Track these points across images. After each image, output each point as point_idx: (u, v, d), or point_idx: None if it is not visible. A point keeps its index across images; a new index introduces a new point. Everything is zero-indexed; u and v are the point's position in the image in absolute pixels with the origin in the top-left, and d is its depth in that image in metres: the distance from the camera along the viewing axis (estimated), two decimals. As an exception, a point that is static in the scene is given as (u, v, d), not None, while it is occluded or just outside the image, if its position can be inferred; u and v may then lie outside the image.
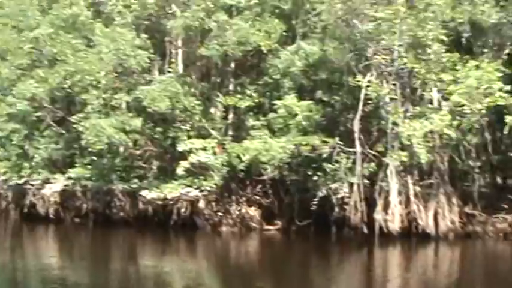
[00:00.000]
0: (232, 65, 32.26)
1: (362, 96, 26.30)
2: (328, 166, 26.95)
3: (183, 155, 30.11)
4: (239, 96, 30.55)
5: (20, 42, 33.47)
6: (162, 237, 30.89)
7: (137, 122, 29.14)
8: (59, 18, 32.78)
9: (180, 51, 32.02)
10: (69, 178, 32.01)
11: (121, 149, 31.10)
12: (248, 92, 30.71)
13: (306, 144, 26.76)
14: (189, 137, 30.06)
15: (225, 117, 32.32)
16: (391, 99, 25.83)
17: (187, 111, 30.06)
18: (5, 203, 37.81)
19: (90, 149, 30.95)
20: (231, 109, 32.29)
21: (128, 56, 29.17)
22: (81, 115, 30.50)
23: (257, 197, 32.39)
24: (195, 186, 29.81)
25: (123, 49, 28.93)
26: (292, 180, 29.48)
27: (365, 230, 26.95)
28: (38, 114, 32.82)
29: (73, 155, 33.44)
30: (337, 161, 26.92)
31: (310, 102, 28.39)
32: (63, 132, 33.43)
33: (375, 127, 28.30)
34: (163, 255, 26.34)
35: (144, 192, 30.22)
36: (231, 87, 32.41)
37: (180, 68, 31.87)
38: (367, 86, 26.02)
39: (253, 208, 32.08)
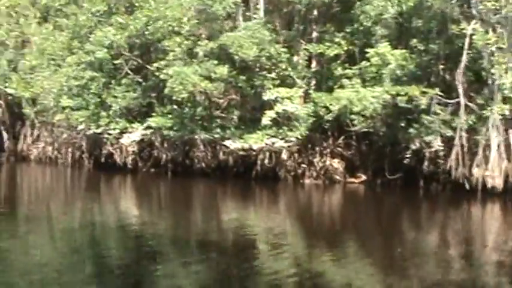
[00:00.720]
0: (315, 12, 32.10)
1: (466, 45, 25.78)
2: (426, 118, 26.69)
3: (267, 105, 30.37)
4: (328, 44, 30.33)
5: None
6: (243, 189, 31.35)
7: (223, 70, 29.25)
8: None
9: (262, -4, 32.02)
10: (148, 127, 32.54)
11: (202, 97, 31.48)
12: (336, 40, 30.45)
13: (404, 95, 26.48)
14: (274, 86, 30.16)
15: (308, 66, 32.28)
16: (498, 48, 25.23)
17: (272, 59, 30.13)
18: (78, 153, 39.07)
19: (170, 98, 31.58)
20: (314, 58, 32.24)
21: (213, 1, 29.23)
22: (162, 63, 30.72)
23: (340, 149, 32.54)
24: (280, 137, 30.08)
25: (210, -6, 29.03)
26: (382, 133, 29.33)
27: (466, 185, 26.74)
28: (116, 62, 33.11)
29: (150, 104, 34.00)
30: (435, 113, 26.65)
31: (404, 50, 28.02)
32: (140, 80, 33.89)
33: (474, 78, 27.78)
34: (245, 207, 26.80)
35: (227, 142, 30.62)
36: (314, 35, 32.32)
37: (262, 14, 31.89)
38: (472, 35, 25.49)
39: (336, 160, 32.25)
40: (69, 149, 39.38)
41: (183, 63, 29.72)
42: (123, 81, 33.63)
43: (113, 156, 35.22)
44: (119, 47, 32.36)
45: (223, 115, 32.15)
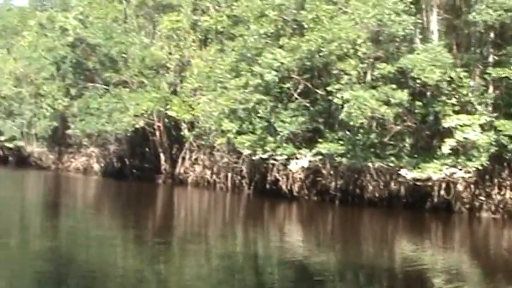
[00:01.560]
0: (492, 34, 31.35)
1: None
2: None
3: (444, 132, 29.83)
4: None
5: (264, 10, 34.89)
6: (415, 221, 30.62)
7: (402, 95, 29.09)
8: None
9: (435, 17, 31.73)
10: (317, 154, 32.84)
11: (374, 123, 31.50)
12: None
13: None
14: (454, 112, 29.65)
15: (486, 91, 31.51)
16: None
17: (452, 84, 29.69)
18: (238, 177, 40.20)
19: (340, 123, 31.83)
20: (491, 82, 31.39)
21: (393, 22, 29.27)
22: (336, 86, 31.02)
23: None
24: (459, 167, 29.47)
25: (388, 14, 29.08)
26: None
27: None
28: (286, 85, 33.80)
29: (317, 129, 34.37)
30: None
31: None
32: (308, 105, 34.35)
33: None
34: (419, 240, 25.91)
35: (402, 171, 30.35)
36: (490, 58, 31.53)
37: (435, 36, 31.58)
38: None
39: (516, 193, 31.20)
40: (229, 174, 40.61)
41: (360, 87, 29.79)
42: (290, 105, 34.17)
43: (277, 182, 35.85)
44: (288, 69, 32.91)
45: (394, 142, 31.93)
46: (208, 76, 38.09)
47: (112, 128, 41.98)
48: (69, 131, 48.48)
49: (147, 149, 48.52)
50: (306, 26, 33.21)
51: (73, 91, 48.51)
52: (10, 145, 61.14)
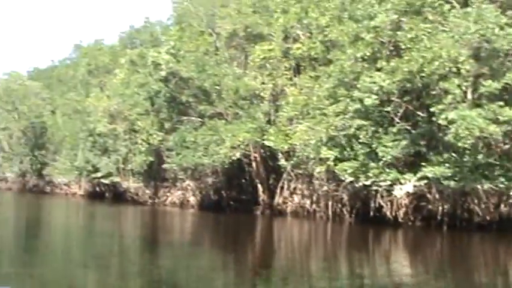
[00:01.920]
0: None
1: None
2: None
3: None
4: None
5: (360, 33, 34.92)
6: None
7: (511, 112, 28.43)
8: (402, 3, 33.53)
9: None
10: (422, 178, 32.36)
11: (481, 143, 30.82)
12: None
13: None
14: None
15: None
16: None
17: None
18: (338, 206, 40.05)
19: (445, 145, 31.28)
20: None
21: (496, 36, 28.72)
22: (439, 107, 30.52)
23: None
24: None
25: (492, 28, 28.56)
26: None
27: None
28: (387, 109, 33.56)
29: (418, 152, 33.91)
30: None
31: None
32: (408, 128, 33.94)
33: None
34: None
35: (515, 193, 29.56)
36: None
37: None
38: None
39: None
40: (329, 202, 40.52)
41: (466, 106, 29.26)
42: (391, 129, 33.85)
43: (381, 209, 35.49)
44: (388, 92, 32.72)
45: (502, 163, 31.11)
46: (305, 104, 38.17)
47: (209, 160, 42.61)
48: (165, 165, 49.48)
49: (243, 180, 49.00)
50: (403, 47, 32.90)
51: (167, 125, 49.63)
52: (106, 181, 63.13)
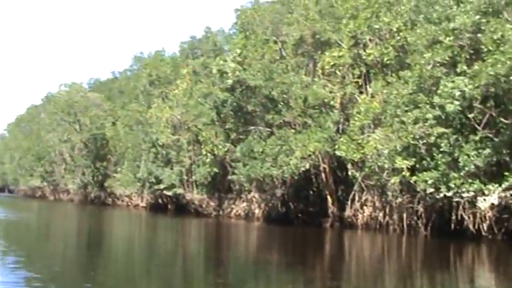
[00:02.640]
0: None
1: None
2: None
3: None
4: None
5: (438, 36, 33.42)
6: None
7: None
8: (482, 4, 31.96)
9: None
10: (508, 188, 30.61)
11: None
12: None
13: None
14: None
15: None
16: None
17: None
18: (413, 218, 38.35)
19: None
20: None
21: None
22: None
23: None
24: None
25: None
26: None
27: None
28: (470, 115, 31.91)
29: (498, 162, 32.23)
30: None
31: None
32: (490, 135, 32.26)
33: None
34: None
35: None
36: None
37: None
38: None
39: None
40: (403, 214, 38.88)
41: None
42: (473, 137, 32.21)
43: (462, 221, 33.72)
44: (471, 98, 31.10)
45: None
46: (379, 111, 36.71)
47: (278, 172, 41.36)
48: (232, 177, 48.47)
49: (311, 192, 47.68)
50: (484, 49, 31.27)
51: (233, 136, 48.65)
52: (169, 193, 62.46)
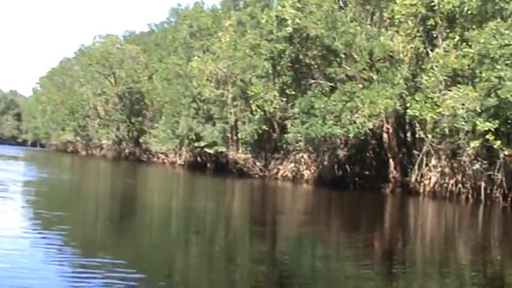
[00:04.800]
0: None
1: None
2: None
3: None
4: None
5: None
6: None
7: None
8: None
9: None
10: None
11: None
12: None
13: None
14: None
15: None
16: None
17: None
18: (489, 187, 34.38)
19: None
20: None
21: None
22: None
23: None
24: None
25: None
26: None
27: None
28: None
29: None
30: None
31: None
32: None
33: None
34: None
35: None
36: None
37: None
38: None
39: None
40: (479, 182, 34.80)
41: None
42: None
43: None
44: None
45: None
46: (458, 67, 32.40)
47: (341, 131, 37.12)
48: (288, 135, 44.21)
49: (368, 154, 43.54)
50: None
51: (288, 91, 44.28)
52: (210, 151, 58.63)
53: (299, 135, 40.79)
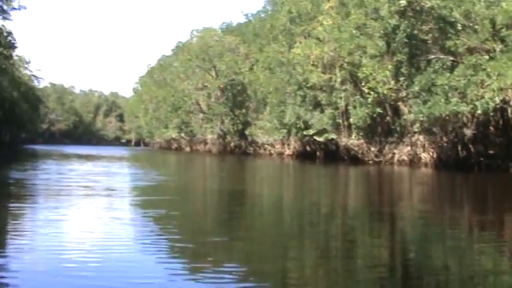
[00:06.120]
0: None
1: None
2: None
3: None
4: None
5: None
6: None
7: None
8: None
9: None
10: None
11: None
12: None
13: None
14: None
15: None
16: None
17: None
18: None
19: None
20: None
21: None
22: None
23: None
24: None
25: None
26: None
27: None
28: None
29: None
30: None
31: None
32: None
33: None
34: None
35: None
36: None
37: None
38: None
39: None
40: None
41: None
42: None
43: None
44: None
45: None
46: None
47: (467, 108, 34.71)
48: (408, 116, 42.02)
49: (493, 131, 40.78)
50: None
51: (404, 69, 42.00)
52: (320, 139, 57.02)
53: (421, 115, 38.48)
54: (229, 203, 21.62)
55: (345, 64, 49.58)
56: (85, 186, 23.83)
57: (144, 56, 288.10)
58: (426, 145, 45.03)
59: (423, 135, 44.59)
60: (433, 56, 38.75)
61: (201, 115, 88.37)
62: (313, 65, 54.15)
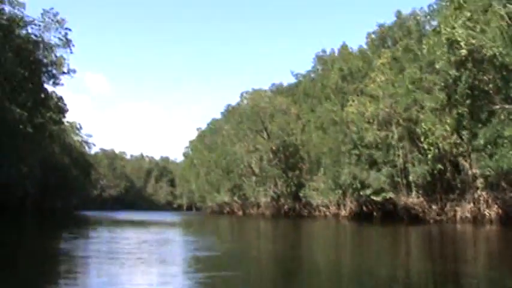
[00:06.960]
0: None
1: None
2: None
3: None
4: None
5: None
6: None
7: None
8: None
9: None
10: None
11: None
12: None
13: None
14: None
15: None
16: None
17: None
18: None
19: None
20: None
21: None
22: None
23: None
24: None
25: None
26: None
27: None
28: None
29: None
30: None
31: None
32: None
33: None
34: None
35: None
36: None
37: None
38: None
39: None
40: None
41: None
42: None
43: None
44: None
45: None
46: None
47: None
48: (476, 170, 40.12)
49: None
50: None
51: (465, 122, 40.38)
52: (377, 198, 55.26)
53: (487, 169, 36.60)
54: (296, 276, 20.21)
55: (402, 120, 48.14)
56: (139, 258, 22.55)
57: (194, 120, 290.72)
58: (490, 201, 42.99)
59: (486, 191, 42.61)
60: (497, 107, 37.08)
61: (254, 178, 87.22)
62: (368, 122, 52.92)
